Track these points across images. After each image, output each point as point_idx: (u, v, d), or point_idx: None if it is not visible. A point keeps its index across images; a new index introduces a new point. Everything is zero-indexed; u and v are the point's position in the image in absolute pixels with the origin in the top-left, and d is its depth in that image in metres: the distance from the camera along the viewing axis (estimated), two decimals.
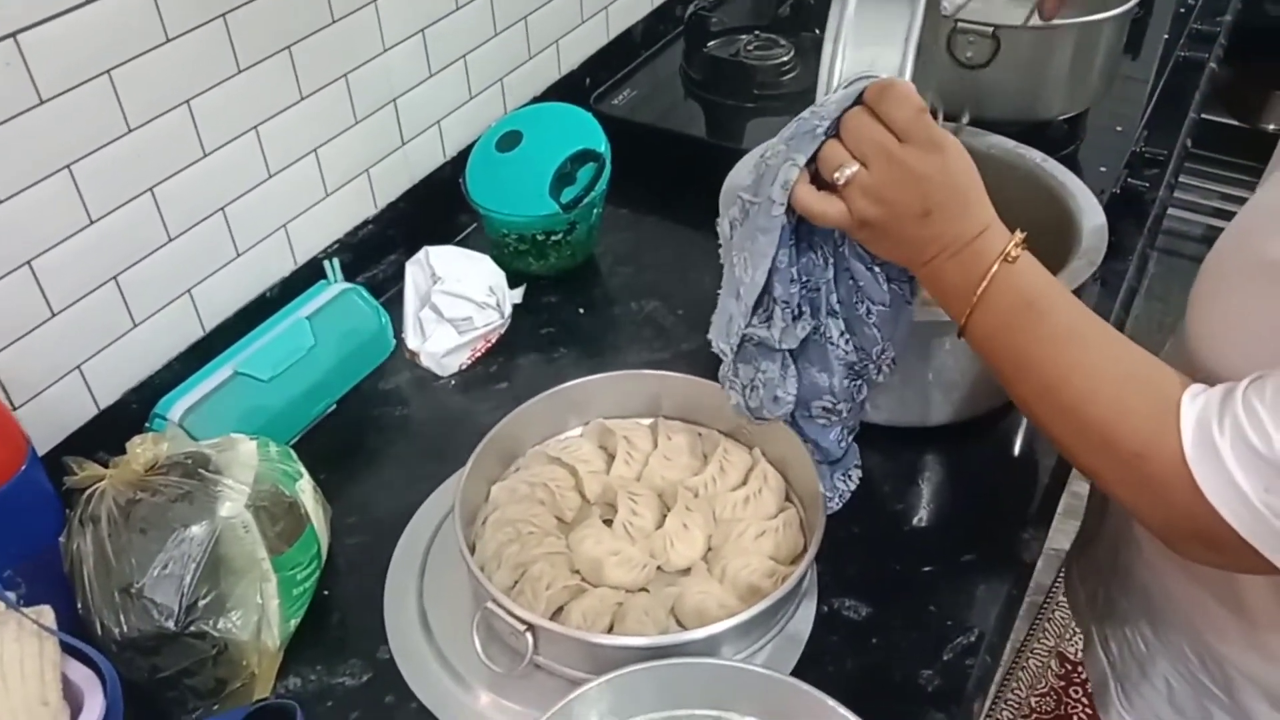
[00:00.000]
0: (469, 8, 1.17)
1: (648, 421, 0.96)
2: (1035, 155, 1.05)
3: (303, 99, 1.00)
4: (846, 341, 0.84)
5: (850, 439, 0.91)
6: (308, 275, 1.06)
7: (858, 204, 0.71)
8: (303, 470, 0.87)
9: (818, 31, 1.44)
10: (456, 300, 1.08)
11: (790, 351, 0.83)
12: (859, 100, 0.72)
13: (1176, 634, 0.83)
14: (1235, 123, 2.48)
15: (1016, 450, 1.00)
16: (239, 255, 1.00)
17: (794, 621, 0.83)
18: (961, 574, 0.86)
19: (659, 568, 0.85)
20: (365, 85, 1.07)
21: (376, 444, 1.00)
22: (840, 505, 0.90)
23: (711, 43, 1.44)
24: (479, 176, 1.16)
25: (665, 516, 0.87)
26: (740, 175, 0.91)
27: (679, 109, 1.41)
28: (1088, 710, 1.74)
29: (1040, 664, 1.87)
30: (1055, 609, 1.94)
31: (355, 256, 1.11)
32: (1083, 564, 1.03)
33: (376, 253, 1.14)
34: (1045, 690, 1.82)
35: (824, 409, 0.86)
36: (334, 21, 1.01)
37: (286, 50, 0.97)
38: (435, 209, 1.19)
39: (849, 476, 0.92)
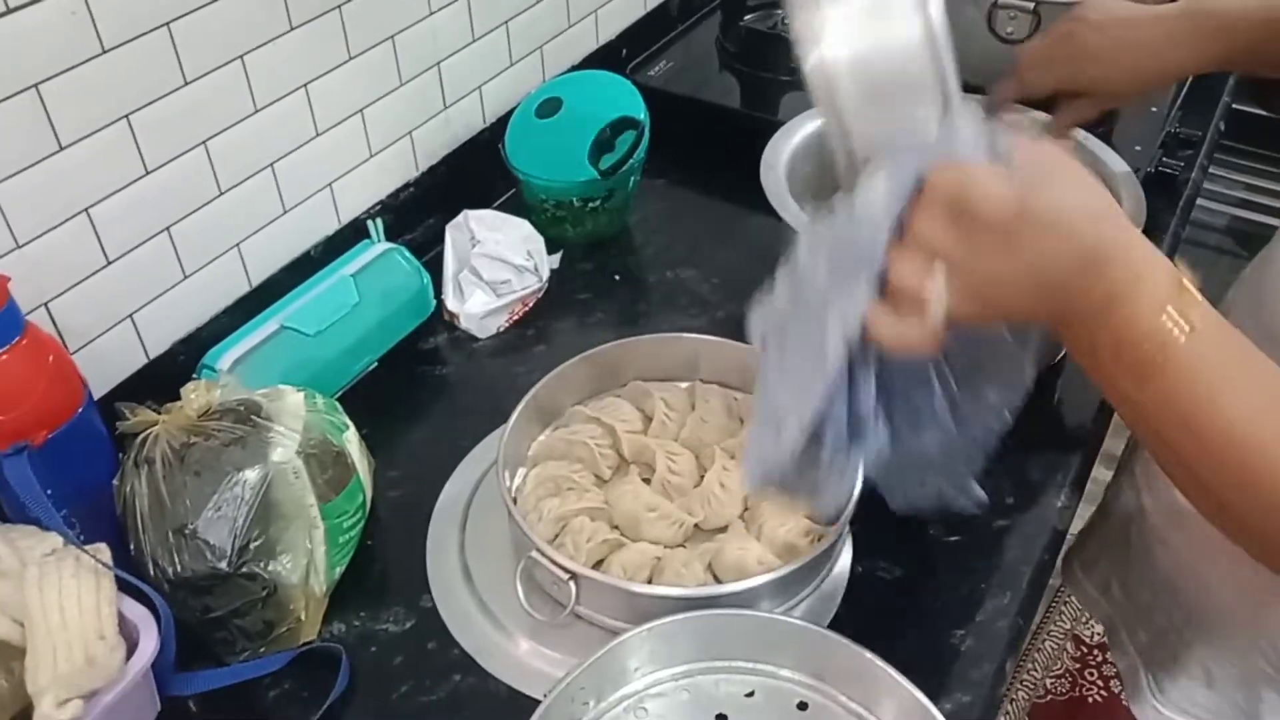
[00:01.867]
0: None
1: (685, 385, 0.97)
2: (1075, 131, 1.06)
3: (350, 59, 1.02)
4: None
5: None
6: (350, 235, 1.07)
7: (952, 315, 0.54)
8: (349, 422, 0.89)
9: None
10: (495, 263, 1.09)
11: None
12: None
13: (1220, 623, 0.84)
14: (1263, 113, 2.47)
15: (1053, 418, 1.00)
16: (286, 212, 1.01)
17: (829, 581, 0.84)
18: (994, 539, 0.88)
19: (696, 525, 0.86)
20: (411, 47, 1.08)
21: (417, 401, 1.02)
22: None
23: (748, 16, 1.45)
24: (519, 142, 1.18)
25: (703, 476, 0.89)
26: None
27: (714, 81, 1.42)
28: (1103, 692, 1.76)
29: (1056, 645, 1.88)
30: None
31: (396, 218, 1.12)
32: (1085, 556, 1.03)
33: (417, 215, 1.15)
34: (1061, 672, 1.83)
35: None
36: None
37: (337, 9, 0.98)
38: (475, 173, 1.20)
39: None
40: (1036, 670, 1.85)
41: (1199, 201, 1.93)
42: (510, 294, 1.09)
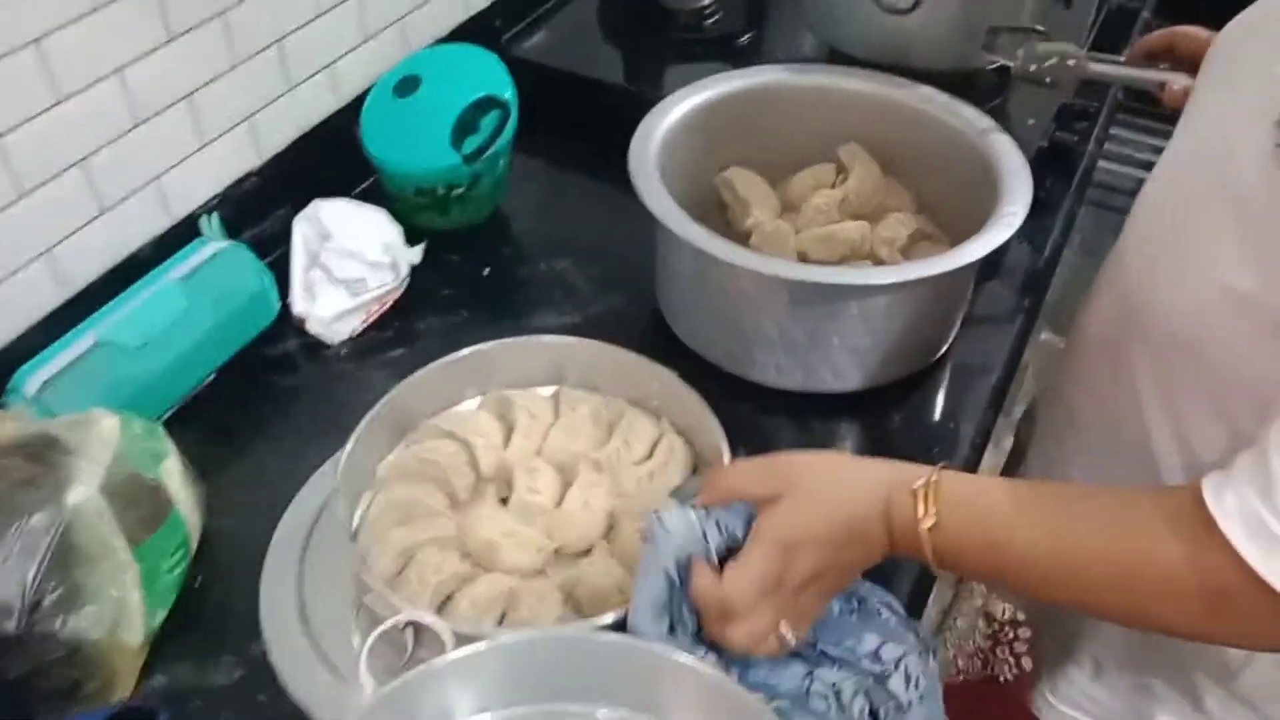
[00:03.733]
0: None
1: (550, 390, 0.90)
2: (964, 110, 1.01)
3: (171, 39, 0.92)
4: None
5: None
6: (186, 232, 0.98)
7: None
8: (170, 449, 0.80)
9: None
10: (348, 259, 1.01)
11: None
12: None
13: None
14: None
15: (936, 415, 0.96)
16: (104, 211, 0.91)
17: None
18: None
19: (556, 550, 0.79)
20: (245, 24, 0.98)
21: (259, 417, 0.93)
22: None
23: None
24: (376, 125, 1.08)
25: (566, 492, 0.82)
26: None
27: (596, 54, 1.33)
28: (1015, 670, 1.74)
29: (968, 624, 1.85)
30: None
31: (238, 212, 1.02)
32: None
33: (262, 208, 1.05)
34: (973, 650, 1.81)
35: None
36: None
37: None
38: (329, 160, 1.10)
39: None
40: (949, 649, 1.82)
41: (1104, 165, 1.90)
42: (365, 293, 1.00)
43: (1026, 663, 1.55)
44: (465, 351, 0.87)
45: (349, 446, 0.79)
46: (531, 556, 0.78)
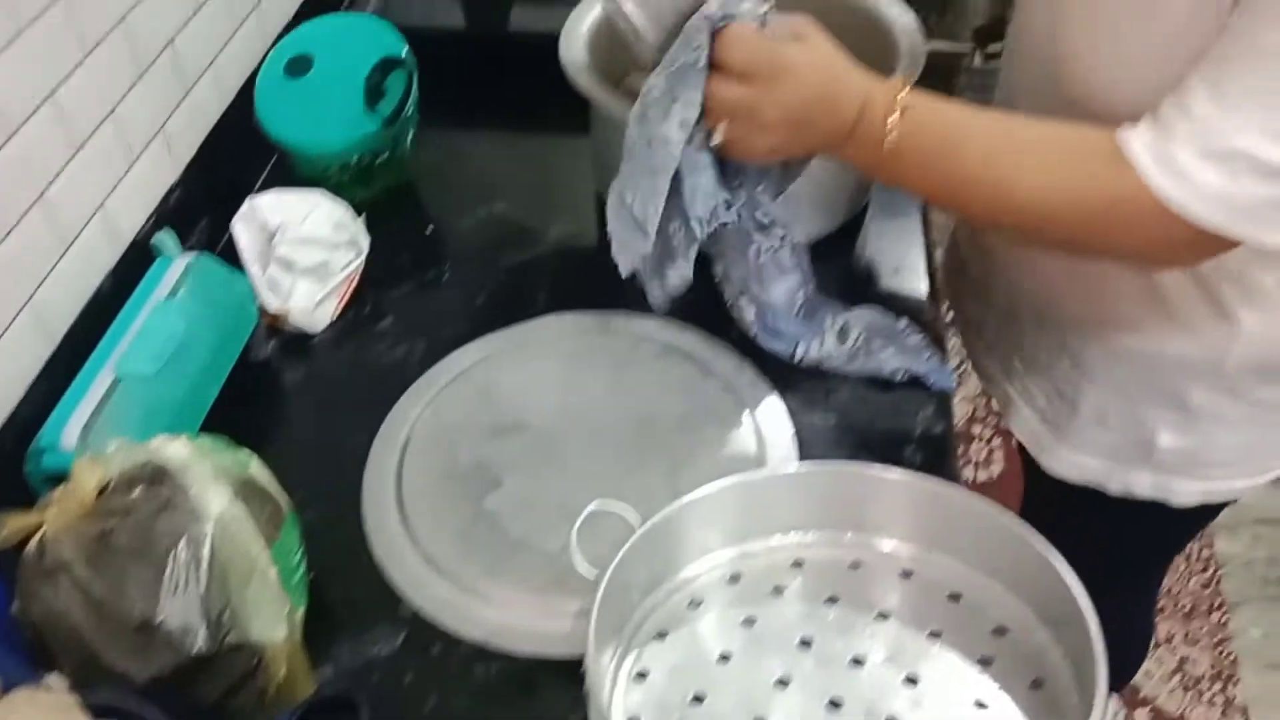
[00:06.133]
0: None
1: None
2: None
3: (87, 55, 0.87)
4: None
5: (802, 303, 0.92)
6: (135, 257, 0.93)
7: (740, 150, 0.77)
8: (249, 453, 0.78)
9: None
10: (307, 247, 0.99)
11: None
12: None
13: (1101, 354, 0.92)
14: None
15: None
16: (67, 249, 0.86)
17: None
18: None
19: None
20: (141, 27, 0.93)
21: (277, 419, 0.92)
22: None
23: None
24: (275, 110, 1.06)
25: None
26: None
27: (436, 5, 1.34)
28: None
29: None
30: None
31: (172, 225, 0.98)
32: (984, 339, 1.08)
33: (190, 217, 1.02)
34: None
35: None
36: None
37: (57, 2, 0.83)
38: (238, 155, 1.07)
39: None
40: None
41: None
42: (333, 276, 0.99)
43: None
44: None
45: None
46: None
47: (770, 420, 0.87)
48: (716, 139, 0.76)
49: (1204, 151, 0.66)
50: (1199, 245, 0.70)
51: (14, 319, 0.81)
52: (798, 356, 0.91)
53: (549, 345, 0.95)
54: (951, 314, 1.13)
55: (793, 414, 0.88)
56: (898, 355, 0.90)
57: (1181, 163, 0.67)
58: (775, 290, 0.89)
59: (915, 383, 0.90)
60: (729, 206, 0.81)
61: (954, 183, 0.76)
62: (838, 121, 0.75)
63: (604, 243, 0.87)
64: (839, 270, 1.01)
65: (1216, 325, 0.84)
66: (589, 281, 0.99)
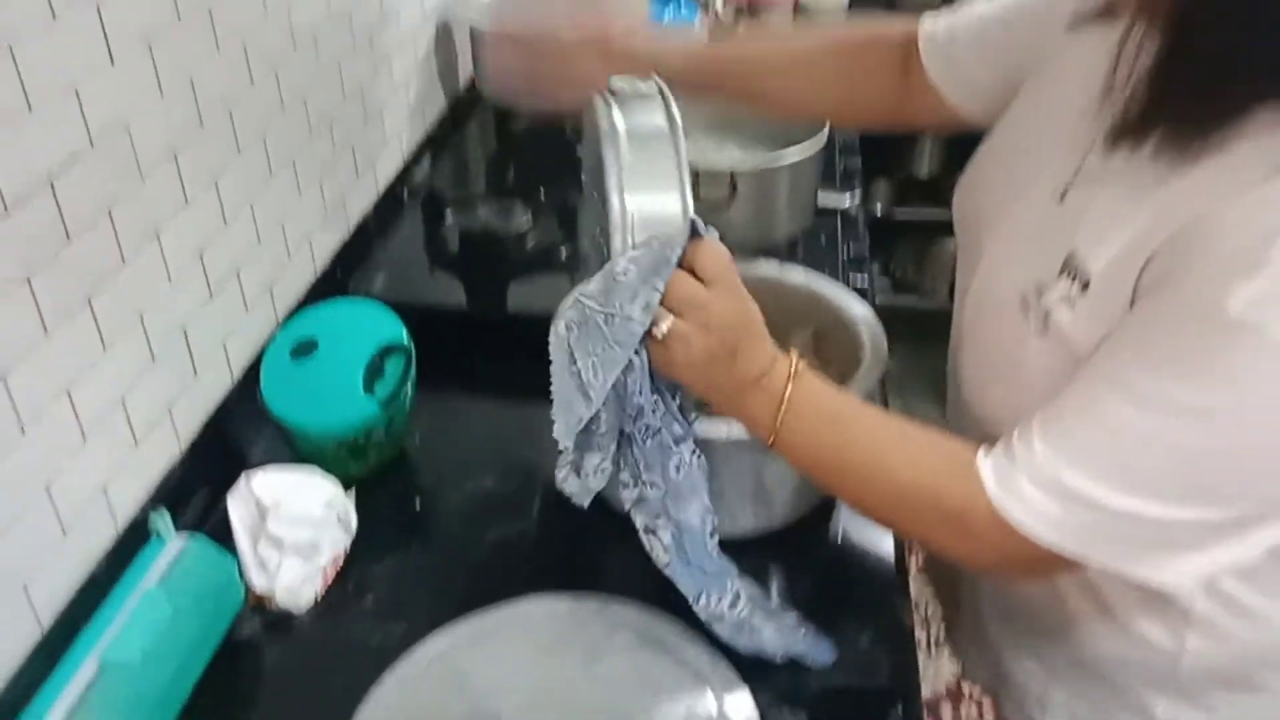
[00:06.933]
0: (235, 222, 1.14)
1: None
2: (805, 274, 1.18)
3: (105, 350, 0.93)
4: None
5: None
6: (132, 538, 0.96)
7: (676, 350, 0.81)
8: None
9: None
10: (296, 526, 1.02)
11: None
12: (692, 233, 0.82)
13: (1065, 660, 0.94)
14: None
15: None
16: (66, 533, 0.89)
17: None
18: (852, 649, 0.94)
19: None
20: (157, 317, 1.00)
21: (255, 704, 0.93)
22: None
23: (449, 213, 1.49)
24: (280, 392, 1.12)
25: None
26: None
27: (434, 284, 1.43)
28: None
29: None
30: None
31: (167, 504, 1.02)
32: (963, 631, 1.13)
33: (186, 495, 1.06)
34: None
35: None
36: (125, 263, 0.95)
37: (87, 303, 0.90)
38: (235, 435, 1.12)
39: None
40: None
41: None
42: (320, 556, 1.02)
43: None
44: None
45: None
46: None
47: (740, 717, 0.88)
48: (664, 328, 0.80)
49: (1040, 482, 0.73)
50: (1046, 560, 0.75)
51: (7, 605, 0.83)
52: (700, 603, 0.92)
53: (526, 632, 0.96)
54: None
55: (763, 712, 0.89)
56: (777, 635, 0.92)
57: (1020, 487, 0.74)
58: (690, 510, 0.91)
59: (878, 681, 0.91)
60: (654, 410, 0.86)
61: (842, 454, 0.83)
62: (752, 364, 0.81)
63: (585, 515, 0.91)
64: (814, 548, 1.05)
65: (1162, 633, 0.87)
66: (572, 558, 1.02)
